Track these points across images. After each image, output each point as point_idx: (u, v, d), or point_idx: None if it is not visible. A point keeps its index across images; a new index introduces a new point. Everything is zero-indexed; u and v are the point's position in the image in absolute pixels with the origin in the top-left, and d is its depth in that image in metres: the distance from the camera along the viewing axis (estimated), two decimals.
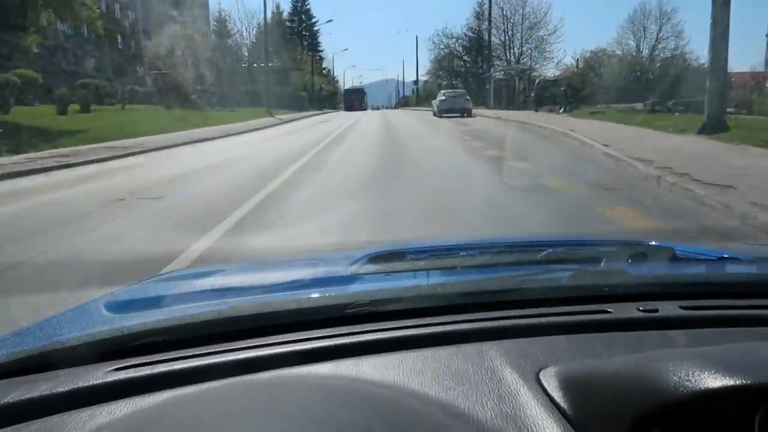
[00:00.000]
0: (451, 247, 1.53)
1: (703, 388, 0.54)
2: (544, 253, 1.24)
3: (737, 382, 0.55)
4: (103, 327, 0.83)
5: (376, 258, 1.19)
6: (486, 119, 21.77)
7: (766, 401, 0.55)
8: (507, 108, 30.70)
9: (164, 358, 0.72)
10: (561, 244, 1.46)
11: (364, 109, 53.83)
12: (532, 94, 27.46)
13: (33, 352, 0.78)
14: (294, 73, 52.07)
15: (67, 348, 0.78)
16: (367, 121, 25.89)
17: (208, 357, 0.72)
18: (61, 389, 0.67)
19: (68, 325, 0.92)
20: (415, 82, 64.05)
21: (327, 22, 73.88)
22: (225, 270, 1.49)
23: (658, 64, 43.17)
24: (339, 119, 28.04)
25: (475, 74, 50.59)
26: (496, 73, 38.53)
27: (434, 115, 27.04)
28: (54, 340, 0.81)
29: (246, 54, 47.55)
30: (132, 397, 0.64)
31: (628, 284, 0.97)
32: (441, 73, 61.08)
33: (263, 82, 35.37)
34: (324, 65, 78.91)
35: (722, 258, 1.22)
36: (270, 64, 40.31)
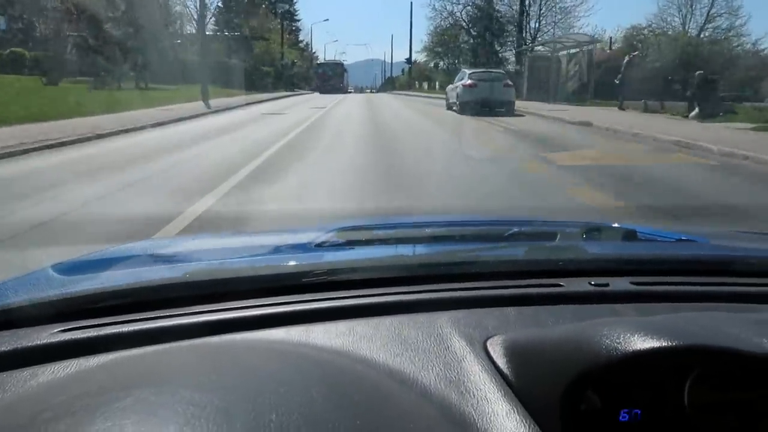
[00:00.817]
0: (417, 224, 1.63)
1: (632, 350, 0.58)
2: (505, 231, 1.29)
3: (666, 344, 0.58)
4: (52, 290, 0.83)
5: (341, 231, 1.25)
6: (562, 126, 13.07)
7: (699, 365, 0.58)
8: (554, 100, 21.72)
9: (114, 320, 0.72)
10: (524, 224, 1.51)
11: (344, 90, 45.46)
12: (618, 79, 17.87)
13: None
14: (258, 44, 43.06)
15: (11, 309, 0.77)
16: (345, 114, 17.48)
17: (157, 321, 0.73)
18: (1, 349, 0.66)
19: (16, 288, 0.90)
20: (408, 60, 52.37)
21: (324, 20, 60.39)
22: (187, 240, 1.51)
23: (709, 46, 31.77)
24: (305, 107, 20.34)
25: (492, 52, 39.83)
26: (537, 48, 28.59)
27: (449, 109, 18.48)
28: (1, 300, 0.78)
29: (195, 19, 38.65)
30: (77, 358, 0.64)
31: (581, 260, 1.02)
32: (441, 50, 48.54)
33: (218, 54, 29.65)
34: (301, 38, 66.77)
35: (679, 240, 1.28)
36: (223, 33, 29.10)
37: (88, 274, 0.99)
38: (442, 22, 43.80)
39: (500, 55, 37.74)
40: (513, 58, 29.19)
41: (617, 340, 0.59)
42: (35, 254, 3.27)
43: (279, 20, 52.03)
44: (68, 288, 0.84)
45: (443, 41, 44.84)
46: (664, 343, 0.58)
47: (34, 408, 0.49)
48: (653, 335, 0.59)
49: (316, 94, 37.90)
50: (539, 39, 36.32)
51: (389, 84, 72.39)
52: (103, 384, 0.52)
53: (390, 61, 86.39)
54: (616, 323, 0.63)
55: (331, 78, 45.84)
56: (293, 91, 41.01)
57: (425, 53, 50.31)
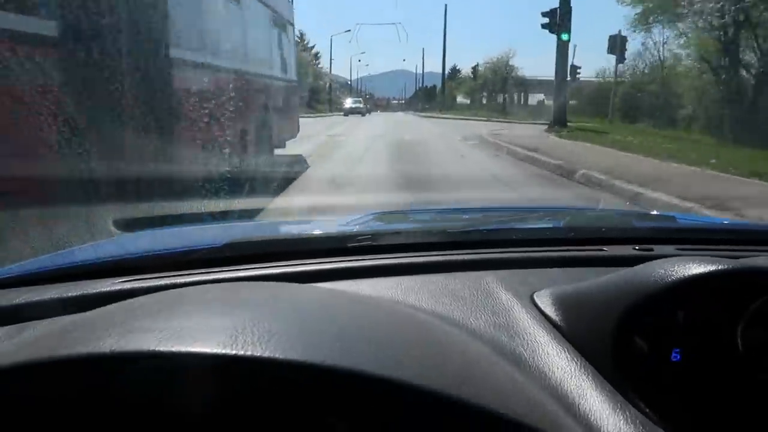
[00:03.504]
0: (454, 209, 1.76)
1: (686, 275, 0.58)
2: (545, 211, 1.42)
3: (721, 268, 0.58)
4: (114, 250, 0.99)
5: (379, 216, 1.29)
6: None
7: (761, 294, 0.58)
8: None
9: (168, 275, 0.79)
10: (564, 209, 1.67)
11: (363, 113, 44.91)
12: None
13: (44, 266, 0.89)
14: None
15: (77, 265, 0.88)
16: None
17: (209, 274, 0.79)
18: (68, 294, 0.75)
19: (83, 252, 1.07)
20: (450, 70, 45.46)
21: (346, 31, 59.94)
22: (230, 224, 1.87)
23: None
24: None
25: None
26: None
27: None
28: (68, 259, 0.96)
29: None
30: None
31: (625, 227, 1.06)
32: None
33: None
34: (313, 47, 60.98)
35: (722, 222, 1.38)
36: None
37: (147, 237, 1.16)
38: None
39: None
40: None
41: (668, 271, 0.60)
42: None
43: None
44: (128, 249, 0.96)
45: None
46: (720, 267, 0.58)
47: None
48: (708, 263, 0.59)
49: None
50: None
51: (423, 96, 65.48)
52: (155, 302, 0.55)
53: (422, 70, 78.41)
54: (664, 261, 0.62)
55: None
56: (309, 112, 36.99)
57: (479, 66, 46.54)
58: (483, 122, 25.49)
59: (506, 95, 43.66)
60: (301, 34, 63.17)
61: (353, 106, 45.77)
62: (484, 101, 47.93)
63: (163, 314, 0.47)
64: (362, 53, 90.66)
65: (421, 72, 77.38)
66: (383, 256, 0.84)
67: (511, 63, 44.54)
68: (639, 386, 0.57)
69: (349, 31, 60.23)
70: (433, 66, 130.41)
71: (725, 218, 1.50)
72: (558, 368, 0.56)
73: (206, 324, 0.44)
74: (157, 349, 0.40)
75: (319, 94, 59.22)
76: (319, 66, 65.01)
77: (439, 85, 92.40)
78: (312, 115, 35.96)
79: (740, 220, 1.65)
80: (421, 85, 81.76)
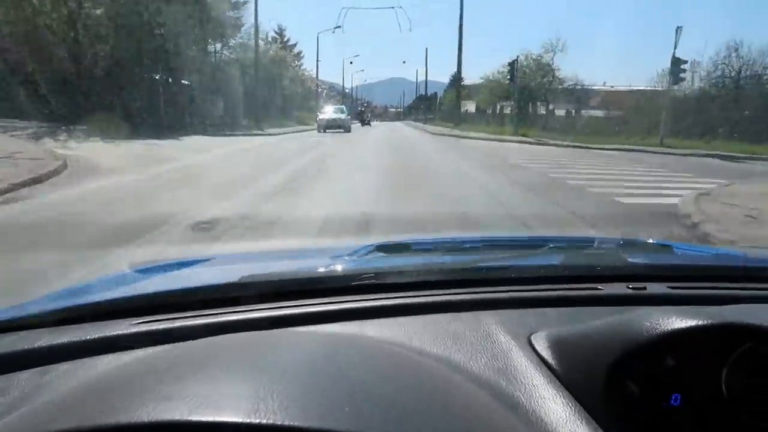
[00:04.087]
0: (454, 239, 1.84)
1: (671, 329, 0.65)
2: (542, 243, 1.47)
3: (705, 322, 0.65)
4: (129, 289, 1.03)
5: (381, 247, 1.36)
6: None
7: (741, 344, 0.65)
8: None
9: (182, 316, 0.86)
10: (560, 240, 1.71)
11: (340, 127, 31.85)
12: None
13: (62, 306, 0.93)
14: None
15: (95, 304, 0.94)
16: None
17: (221, 316, 0.86)
18: (87, 337, 0.80)
19: (99, 287, 1.13)
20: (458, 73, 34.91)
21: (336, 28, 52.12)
22: (242, 256, 1.87)
23: None
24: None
25: None
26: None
27: None
28: (83, 298, 1.00)
29: None
30: (153, 346, 0.78)
31: (619, 266, 1.10)
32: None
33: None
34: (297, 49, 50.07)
35: (714, 254, 1.45)
36: None
37: (160, 276, 1.20)
38: None
39: None
40: None
41: (656, 323, 0.67)
42: None
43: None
44: (143, 288, 1.03)
45: None
46: (703, 322, 0.65)
47: (123, 381, 0.60)
48: (692, 316, 0.67)
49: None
50: None
51: (422, 104, 54.45)
52: (178, 368, 0.62)
53: (426, 75, 67.29)
54: (654, 310, 0.71)
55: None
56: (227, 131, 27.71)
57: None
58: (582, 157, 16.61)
59: (548, 104, 31.67)
60: (281, 30, 51.83)
61: (332, 117, 32.33)
62: (507, 111, 36.76)
63: (190, 379, 0.55)
64: (356, 56, 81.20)
65: (424, 72, 66.82)
66: (387, 295, 0.93)
67: (550, 62, 32.62)
68: (630, 430, 0.64)
69: (339, 27, 49.41)
70: (433, 74, 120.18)
71: (722, 249, 1.56)
72: (553, 413, 0.62)
73: (231, 391, 0.52)
74: (190, 418, 0.47)
75: (308, 102, 47.16)
76: (302, 67, 53.41)
77: (440, 93, 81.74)
78: (260, 133, 27.19)
79: (737, 250, 1.66)
80: (423, 92, 71.39)
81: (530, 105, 36.60)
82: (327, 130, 29.45)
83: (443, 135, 29.43)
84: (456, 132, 31.46)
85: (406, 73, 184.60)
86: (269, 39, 43.80)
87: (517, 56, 29.64)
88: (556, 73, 34.78)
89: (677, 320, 0.65)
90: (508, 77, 30.69)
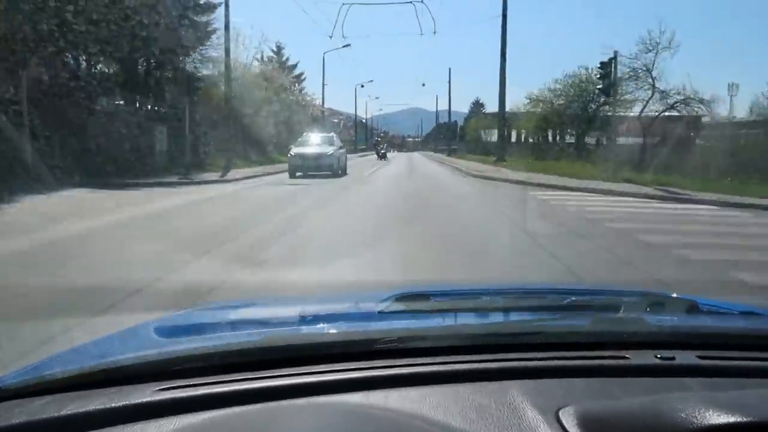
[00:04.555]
0: (474, 291, 1.84)
1: (708, 424, 0.65)
2: (566, 300, 1.44)
3: (740, 419, 0.65)
4: (152, 350, 1.01)
5: (402, 298, 1.37)
6: None
7: None
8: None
9: (205, 381, 0.87)
10: (582, 293, 1.70)
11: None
12: None
13: (87, 369, 0.95)
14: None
15: (119, 368, 0.95)
16: None
17: (245, 383, 0.87)
18: (113, 405, 0.81)
19: (120, 345, 1.14)
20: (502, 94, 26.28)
21: (344, 46, 47.69)
22: (263, 302, 1.91)
23: None
24: None
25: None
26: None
27: None
28: (107, 360, 1.00)
29: None
30: (176, 416, 0.80)
31: (647, 332, 1.10)
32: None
33: None
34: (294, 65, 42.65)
35: (743, 312, 1.38)
36: None
37: (182, 334, 1.21)
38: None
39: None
40: None
41: (691, 415, 0.67)
42: None
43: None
44: (164, 348, 1.05)
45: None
46: (738, 419, 0.66)
47: None
48: (727, 411, 0.67)
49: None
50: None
51: (445, 134, 46.83)
52: None
53: (449, 103, 61.24)
54: (688, 398, 0.72)
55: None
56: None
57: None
58: None
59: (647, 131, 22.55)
60: (279, 48, 43.78)
61: (311, 153, 21.20)
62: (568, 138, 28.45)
63: None
64: (370, 81, 72.73)
65: (447, 96, 59.65)
66: (411, 361, 0.95)
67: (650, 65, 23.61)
68: None
69: (348, 45, 41.85)
70: (453, 105, 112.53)
71: (754, 308, 1.36)
72: None
73: None
74: None
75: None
76: (304, 91, 44.98)
77: (460, 122, 74.20)
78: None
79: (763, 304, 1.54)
80: (441, 120, 64.42)
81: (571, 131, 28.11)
82: (304, 175, 19.44)
83: (490, 179, 19.53)
84: (508, 173, 21.23)
85: (423, 103, 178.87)
86: (264, 58, 36.41)
87: (615, 52, 18.79)
88: (657, 83, 24.33)
89: (716, 415, 0.67)
90: (598, 77, 20.02)
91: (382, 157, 42.96)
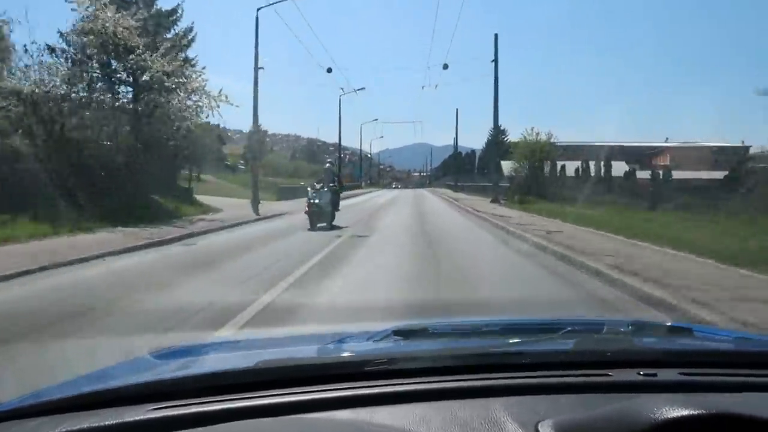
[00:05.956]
0: (465, 323, 1.95)
1: (675, 416, 0.69)
2: (553, 327, 1.48)
3: (708, 412, 0.69)
4: (147, 373, 1.09)
5: (398, 331, 1.39)
6: None
7: None
8: None
9: (198, 401, 0.90)
10: (572, 323, 1.66)
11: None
12: None
13: (83, 392, 0.99)
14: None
15: (114, 389, 0.99)
16: None
17: (235, 402, 0.90)
18: (107, 423, 0.84)
19: (118, 371, 1.20)
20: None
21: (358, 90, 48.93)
22: (259, 341, 1.82)
23: None
24: None
25: None
26: None
27: None
28: (103, 383, 1.08)
29: None
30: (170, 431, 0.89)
31: (629, 351, 1.12)
32: None
33: None
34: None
35: (734, 338, 1.40)
36: None
37: (178, 361, 1.23)
38: None
39: None
40: None
41: (661, 411, 0.72)
42: None
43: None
44: (158, 374, 1.09)
45: None
46: (704, 411, 0.70)
47: None
48: (696, 406, 0.71)
49: None
50: None
51: (454, 169, 47.51)
52: None
53: (455, 139, 62.94)
54: (661, 398, 0.76)
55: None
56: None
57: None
58: None
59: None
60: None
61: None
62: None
63: None
64: (375, 120, 73.56)
65: (455, 139, 59.70)
66: (400, 381, 0.95)
67: None
68: None
69: (363, 89, 44.56)
70: (463, 140, 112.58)
71: (738, 333, 1.52)
72: None
73: None
74: None
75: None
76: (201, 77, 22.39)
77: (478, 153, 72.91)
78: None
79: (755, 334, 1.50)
80: (448, 156, 64.15)
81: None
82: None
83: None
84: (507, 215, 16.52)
85: (429, 138, 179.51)
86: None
87: None
88: None
89: (681, 409, 0.70)
90: None
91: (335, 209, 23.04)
